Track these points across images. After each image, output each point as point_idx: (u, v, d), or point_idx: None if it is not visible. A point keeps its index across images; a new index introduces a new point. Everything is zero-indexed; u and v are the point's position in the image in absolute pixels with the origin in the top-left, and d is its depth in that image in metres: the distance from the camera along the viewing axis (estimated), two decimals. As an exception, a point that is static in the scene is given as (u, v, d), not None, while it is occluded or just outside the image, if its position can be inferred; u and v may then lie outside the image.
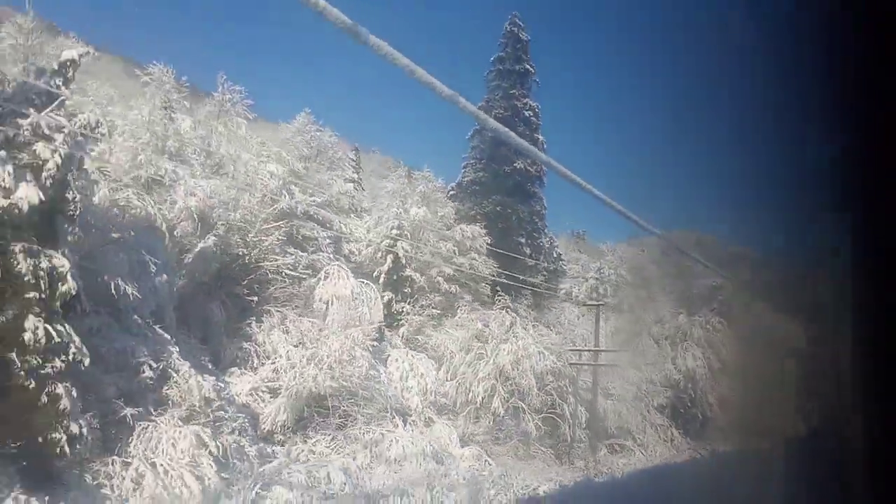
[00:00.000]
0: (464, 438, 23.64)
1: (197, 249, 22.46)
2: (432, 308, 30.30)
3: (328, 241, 29.41)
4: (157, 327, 16.97)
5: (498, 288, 32.35)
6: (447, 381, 25.94)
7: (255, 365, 22.12)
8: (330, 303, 24.03)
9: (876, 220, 2.01)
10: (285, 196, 26.33)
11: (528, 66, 41.76)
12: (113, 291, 14.96)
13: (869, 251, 2.02)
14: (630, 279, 44.35)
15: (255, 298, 24.00)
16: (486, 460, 22.12)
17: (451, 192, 39.80)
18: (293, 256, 25.50)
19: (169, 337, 17.03)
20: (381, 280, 30.94)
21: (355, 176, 40.06)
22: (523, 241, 40.03)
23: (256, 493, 14.39)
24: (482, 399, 24.79)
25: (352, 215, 36.05)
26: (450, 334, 28.92)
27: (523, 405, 24.75)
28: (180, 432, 14.73)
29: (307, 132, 35.58)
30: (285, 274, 25.14)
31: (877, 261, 1.99)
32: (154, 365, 15.64)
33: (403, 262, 31.83)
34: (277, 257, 24.94)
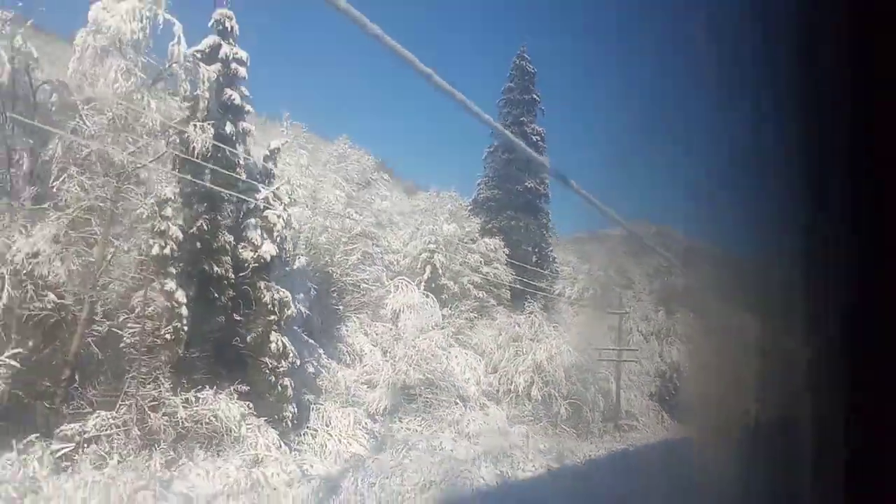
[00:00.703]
0: (509, 420, 29.52)
1: (295, 267, 27.82)
2: (469, 312, 36.04)
3: (381, 255, 34.95)
4: (304, 334, 22.44)
5: (527, 296, 38.27)
6: (490, 373, 31.79)
7: (347, 362, 27.61)
8: (401, 310, 29.64)
9: (848, 218, 1.97)
10: (354, 218, 31.85)
11: (534, 96, 47.59)
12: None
13: (840, 249, 2.00)
14: (617, 279, 50.41)
15: (340, 307, 29.49)
16: (532, 436, 28.02)
17: (469, 208, 45.53)
18: (366, 272, 31.02)
19: (314, 342, 22.51)
20: (422, 288, 36.58)
21: (388, 194, 45.39)
22: (530, 249, 46.04)
23: (403, 454, 19.97)
24: (522, 388, 30.69)
25: (387, 229, 41.51)
26: (485, 334, 34.74)
27: (556, 393, 30.70)
28: (343, 412, 20.27)
29: (351, 157, 40.83)
30: (361, 287, 30.66)
31: (844, 259, 1.97)
32: (314, 364, 21.12)
33: (440, 271, 37.47)
34: (356, 273, 30.42)
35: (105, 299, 15.53)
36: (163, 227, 15.46)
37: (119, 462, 13.78)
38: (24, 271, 13.99)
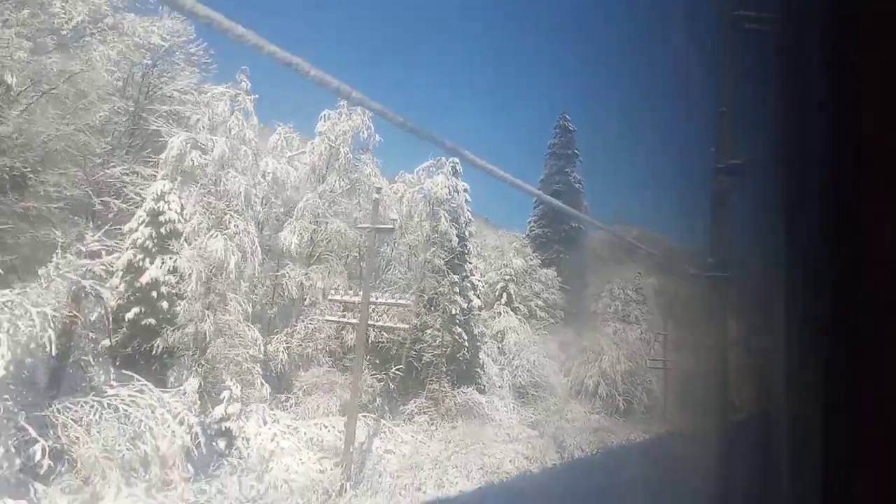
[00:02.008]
0: (585, 411, 40.48)
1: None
2: (540, 330, 46.95)
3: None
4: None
5: (574, 314, 49.25)
6: (564, 377, 42.75)
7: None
8: (505, 331, 40.45)
9: (827, 219, 1.97)
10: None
11: (574, 150, 58.68)
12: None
13: (818, 249, 2.00)
14: (634, 296, 61.02)
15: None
16: (605, 424, 38.96)
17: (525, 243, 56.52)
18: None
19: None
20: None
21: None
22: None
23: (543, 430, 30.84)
24: (591, 388, 41.65)
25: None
26: (552, 347, 45.66)
27: (614, 391, 41.70)
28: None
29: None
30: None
31: (822, 259, 1.97)
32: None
33: (514, 297, 48.28)
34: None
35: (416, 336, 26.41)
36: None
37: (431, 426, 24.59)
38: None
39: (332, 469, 19.40)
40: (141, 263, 19.56)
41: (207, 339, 19.70)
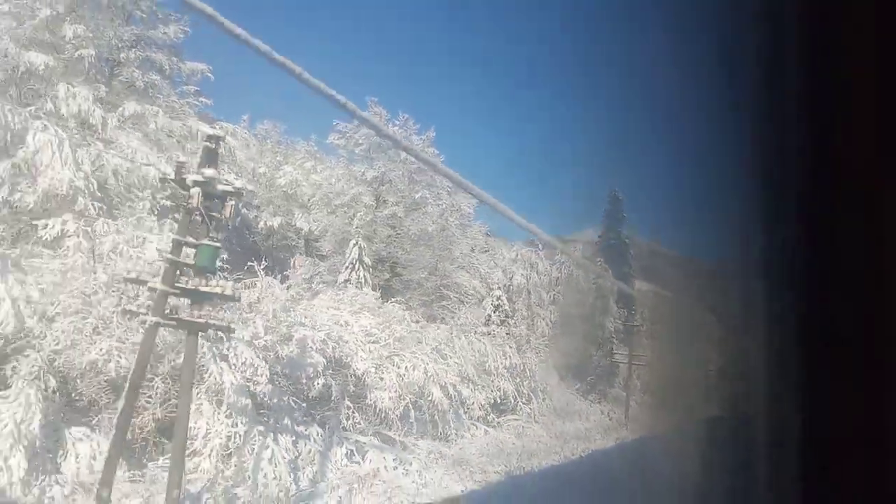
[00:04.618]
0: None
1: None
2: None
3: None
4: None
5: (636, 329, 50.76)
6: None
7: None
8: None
9: (806, 219, 2.01)
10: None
11: (623, 214, 58.64)
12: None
13: (798, 249, 2.01)
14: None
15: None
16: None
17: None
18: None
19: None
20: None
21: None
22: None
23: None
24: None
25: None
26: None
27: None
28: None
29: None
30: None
31: (802, 259, 1.99)
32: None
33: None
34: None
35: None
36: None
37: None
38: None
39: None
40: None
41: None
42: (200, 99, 27.78)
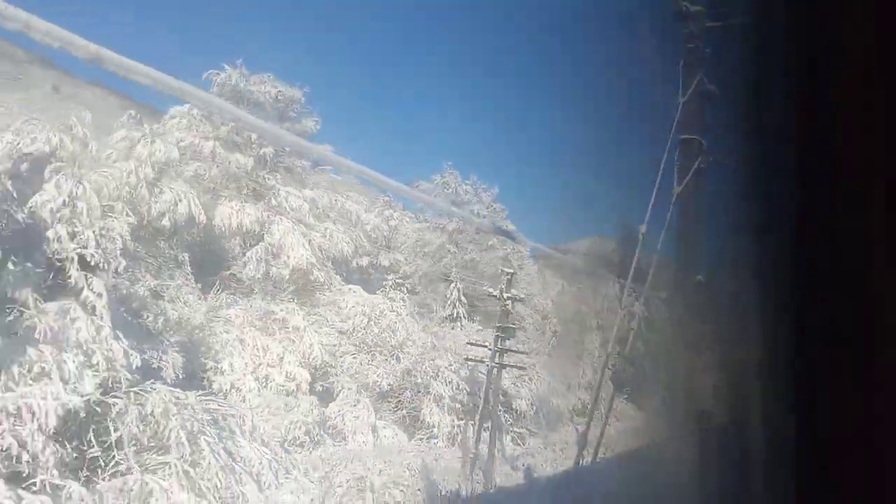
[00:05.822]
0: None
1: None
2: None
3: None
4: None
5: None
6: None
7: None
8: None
9: (797, 223, 2.01)
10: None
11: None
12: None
13: (789, 253, 2.04)
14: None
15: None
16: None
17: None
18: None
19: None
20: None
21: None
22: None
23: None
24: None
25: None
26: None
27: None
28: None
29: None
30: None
31: (793, 263, 2.01)
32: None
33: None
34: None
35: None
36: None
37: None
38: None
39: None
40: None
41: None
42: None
